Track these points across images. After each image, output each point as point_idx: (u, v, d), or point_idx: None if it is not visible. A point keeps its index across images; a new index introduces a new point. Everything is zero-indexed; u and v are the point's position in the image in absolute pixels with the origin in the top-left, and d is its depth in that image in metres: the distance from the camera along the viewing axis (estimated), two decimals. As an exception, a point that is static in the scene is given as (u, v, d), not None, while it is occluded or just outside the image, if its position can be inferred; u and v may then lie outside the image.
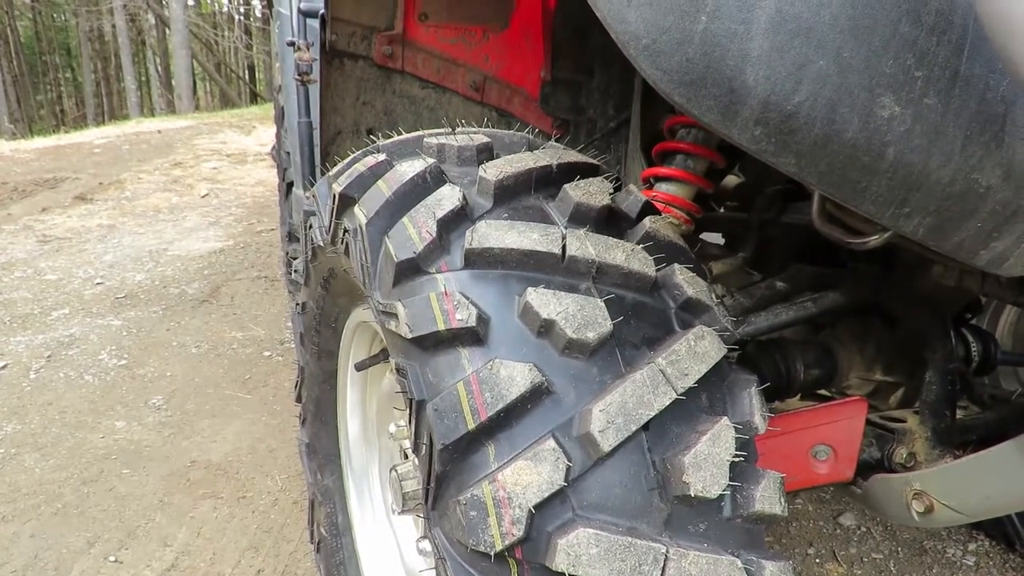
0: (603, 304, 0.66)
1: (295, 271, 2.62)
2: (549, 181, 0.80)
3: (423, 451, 0.66)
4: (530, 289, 0.66)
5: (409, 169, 0.79)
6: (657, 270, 0.72)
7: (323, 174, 1.76)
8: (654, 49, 0.51)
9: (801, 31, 0.47)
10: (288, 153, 2.43)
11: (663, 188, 1.03)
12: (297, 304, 1.24)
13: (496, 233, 0.69)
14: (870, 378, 1.18)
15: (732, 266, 1.24)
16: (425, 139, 0.87)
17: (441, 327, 0.65)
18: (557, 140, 0.95)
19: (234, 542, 1.59)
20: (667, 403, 0.64)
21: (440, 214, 0.72)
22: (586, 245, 0.70)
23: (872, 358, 1.15)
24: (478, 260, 0.69)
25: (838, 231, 0.81)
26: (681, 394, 0.65)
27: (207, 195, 4.72)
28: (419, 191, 0.77)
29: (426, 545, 1.04)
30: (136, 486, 1.77)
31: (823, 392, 1.21)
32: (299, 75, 1.99)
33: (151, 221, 4.13)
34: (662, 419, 0.65)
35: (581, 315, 0.65)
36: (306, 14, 1.99)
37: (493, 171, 0.76)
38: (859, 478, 1.05)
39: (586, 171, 0.83)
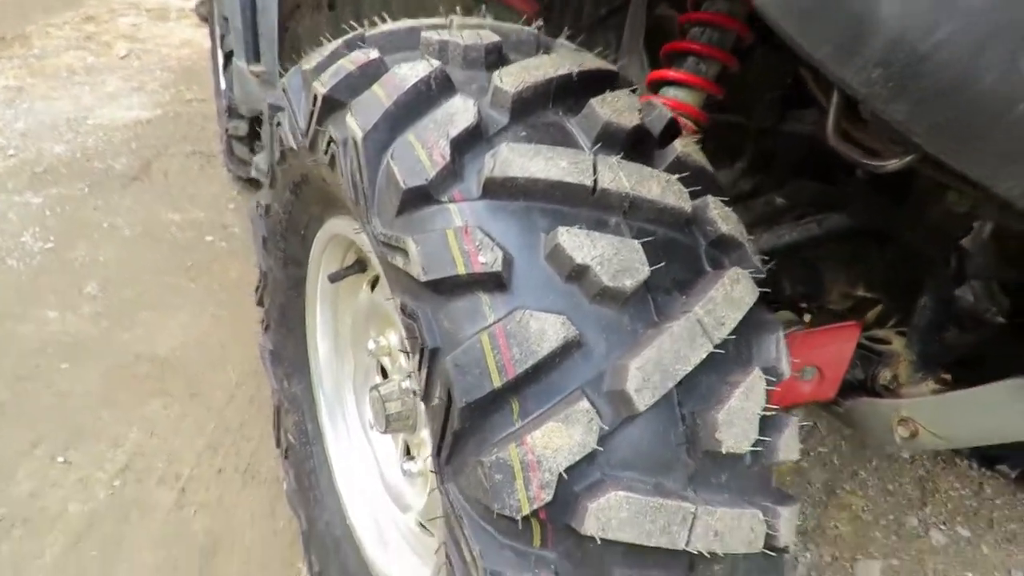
0: (639, 247, 0.60)
1: (235, 152, 2.42)
2: (569, 92, 0.70)
3: (437, 403, 0.60)
4: (562, 229, 0.59)
5: (411, 73, 0.68)
6: (691, 203, 0.66)
7: (281, 54, 1.58)
8: None
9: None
10: (226, 19, 2.18)
11: (671, 94, 0.95)
12: (259, 205, 1.12)
13: (520, 160, 0.61)
14: (851, 294, 1.18)
15: (727, 178, 1.19)
16: (423, 33, 0.75)
17: (461, 271, 0.58)
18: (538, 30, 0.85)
19: (190, 441, 1.54)
20: (703, 356, 0.60)
21: (454, 133, 0.63)
22: (619, 176, 0.62)
23: (857, 276, 1.14)
24: (499, 191, 0.61)
25: (856, 151, 0.76)
26: (717, 346, 0.61)
27: (127, 56, 4.28)
28: (425, 101, 0.67)
29: (411, 467, 1.02)
30: (77, 382, 1.67)
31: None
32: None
33: (65, 84, 3.74)
34: (695, 372, 0.60)
35: (618, 260, 0.59)
36: None
37: (510, 80, 0.67)
38: (839, 398, 1.06)
39: (607, 80, 0.74)
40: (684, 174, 0.67)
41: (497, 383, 0.56)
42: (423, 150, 0.62)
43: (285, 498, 1.30)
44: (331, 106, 0.74)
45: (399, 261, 0.63)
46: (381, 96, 0.68)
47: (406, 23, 0.81)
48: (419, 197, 0.62)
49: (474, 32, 0.75)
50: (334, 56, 0.79)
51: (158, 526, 1.34)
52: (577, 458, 0.56)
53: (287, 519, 1.34)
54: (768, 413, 0.63)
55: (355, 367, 1.14)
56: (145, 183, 2.69)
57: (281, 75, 1.08)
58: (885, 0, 0.40)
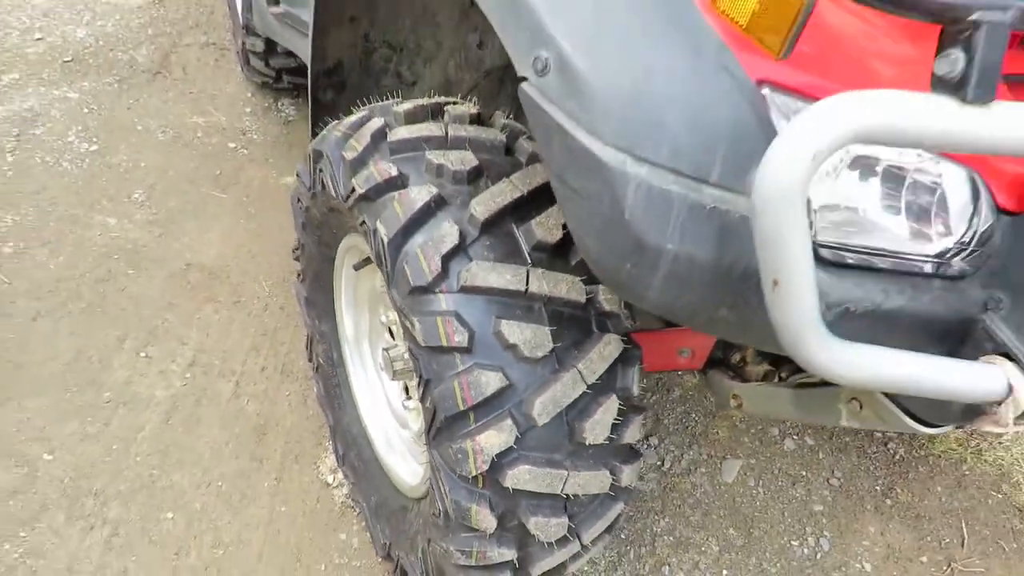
0: (548, 331, 1.03)
1: (251, 63, 2.68)
2: (521, 205, 1.09)
3: (427, 408, 1.06)
4: (503, 321, 1.01)
5: (418, 197, 1.06)
6: (587, 294, 1.07)
7: (316, 117, 1.77)
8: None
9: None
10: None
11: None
12: (299, 200, 1.50)
13: (482, 273, 1.02)
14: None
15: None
16: (427, 155, 1.11)
17: (444, 343, 1.01)
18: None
19: (238, 343, 2.01)
20: (580, 393, 1.05)
21: (444, 250, 1.03)
22: (542, 283, 1.04)
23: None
24: (469, 290, 1.03)
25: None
26: (590, 386, 1.06)
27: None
28: (427, 216, 1.06)
29: (409, 404, 1.50)
30: (144, 287, 2.11)
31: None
32: None
33: (72, -54, 3.80)
34: (575, 401, 1.06)
35: (534, 340, 1.02)
36: None
37: (481, 209, 1.05)
38: (704, 369, 1.53)
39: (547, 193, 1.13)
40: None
41: (461, 407, 1.01)
42: (424, 261, 1.03)
43: (316, 398, 1.80)
44: (363, 198, 1.13)
45: (408, 324, 1.05)
46: (399, 212, 1.06)
47: (414, 130, 1.16)
48: (420, 290, 1.04)
49: (460, 155, 1.11)
50: (365, 153, 1.16)
51: (222, 410, 1.85)
52: (503, 448, 1.02)
53: (316, 410, 1.85)
54: (618, 419, 1.09)
55: (370, 325, 1.59)
56: (167, 79, 2.96)
57: (315, 133, 1.42)
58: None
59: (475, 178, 1.12)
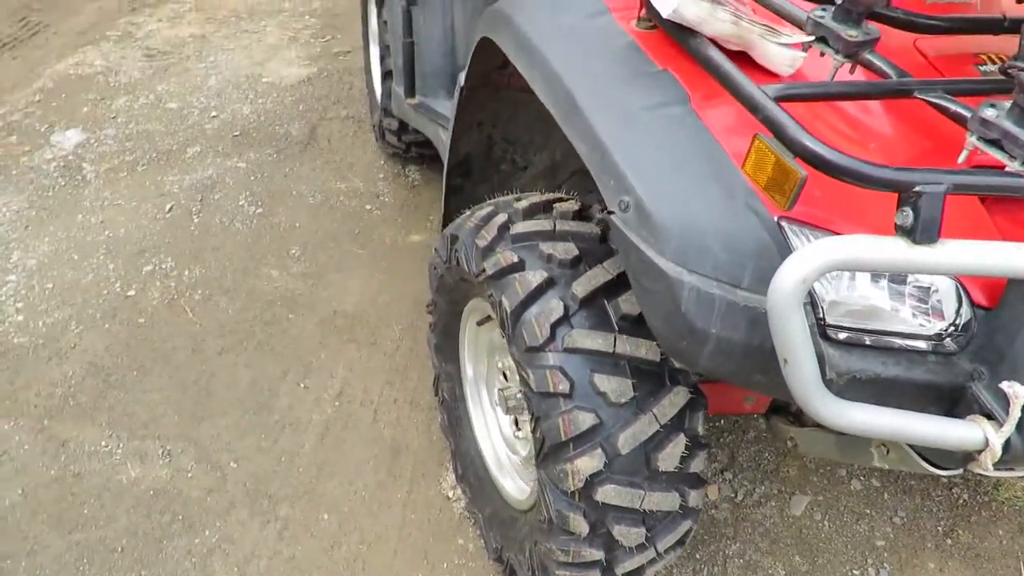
0: (631, 383, 1.36)
1: (387, 139, 3.13)
2: (611, 285, 1.43)
3: (538, 442, 1.41)
4: (596, 374, 1.35)
5: (533, 279, 1.42)
6: (661, 355, 1.40)
7: (447, 214, 2.20)
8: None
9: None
10: (388, 46, 2.86)
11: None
12: (435, 269, 1.90)
13: (580, 338, 1.36)
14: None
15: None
16: (540, 245, 1.48)
17: (551, 390, 1.36)
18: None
19: (376, 377, 2.43)
20: (653, 432, 1.37)
21: (552, 320, 1.38)
22: (626, 346, 1.37)
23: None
24: (571, 350, 1.37)
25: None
26: (662, 426, 1.37)
27: (277, -7, 4.95)
28: (540, 295, 1.42)
29: (519, 434, 1.85)
30: (301, 329, 2.58)
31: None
32: (406, 2, 2.41)
33: (235, 33, 4.49)
34: (651, 437, 1.38)
35: (619, 389, 1.35)
36: None
37: (580, 288, 1.40)
38: (767, 414, 1.80)
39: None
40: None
41: (563, 438, 1.35)
42: (537, 328, 1.38)
43: (439, 426, 2.19)
44: (492, 277, 1.50)
45: (524, 374, 1.41)
46: (519, 290, 1.43)
47: (530, 225, 1.53)
48: (534, 349, 1.39)
49: (565, 246, 1.47)
50: (493, 242, 1.53)
51: (364, 433, 2.27)
52: (595, 471, 1.35)
53: (440, 436, 2.23)
54: (686, 453, 1.40)
55: (487, 368, 1.96)
56: (315, 149, 3.50)
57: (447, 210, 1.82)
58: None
59: (576, 263, 1.47)
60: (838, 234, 1.06)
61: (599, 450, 1.35)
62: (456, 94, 1.82)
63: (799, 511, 2.14)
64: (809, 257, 0.93)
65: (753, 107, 1.03)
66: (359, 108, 3.80)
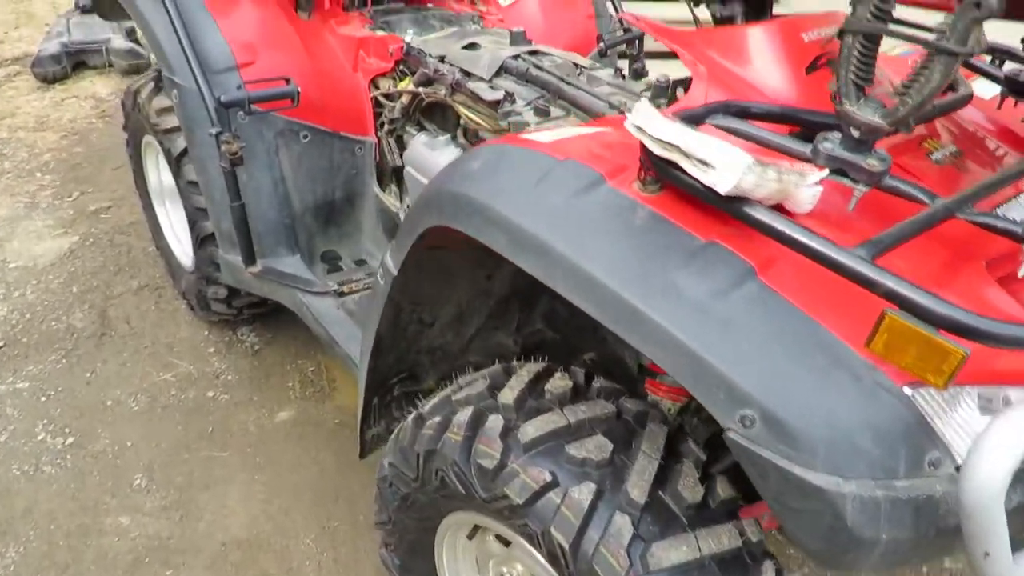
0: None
1: (213, 308, 2.65)
2: (662, 476, 1.23)
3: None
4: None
5: (582, 498, 1.18)
6: (740, 535, 1.22)
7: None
8: None
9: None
10: (201, 210, 2.42)
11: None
12: (392, 486, 1.56)
13: (662, 554, 1.14)
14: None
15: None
16: (568, 450, 1.23)
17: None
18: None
19: (309, 615, 1.97)
20: None
21: (624, 543, 1.14)
22: (709, 543, 1.17)
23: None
24: (656, 571, 1.14)
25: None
26: None
27: (-12, 154, 4.11)
28: (594, 515, 1.17)
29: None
30: (190, 584, 2.03)
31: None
32: (229, 163, 2.05)
33: (-51, 214, 3.63)
34: None
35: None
36: (228, 105, 2.02)
37: (637, 492, 1.18)
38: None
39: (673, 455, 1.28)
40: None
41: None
42: (612, 558, 1.13)
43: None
44: (523, 505, 1.22)
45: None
46: (571, 517, 1.17)
47: (540, 426, 1.28)
48: None
49: (595, 443, 1.24)
50: (504, 458, 1.26)
51: None
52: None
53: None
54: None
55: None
56: (115, 338, 2.87)
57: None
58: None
59: (612, 459, 1.25)
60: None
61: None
62: (384, 285, 1.52)
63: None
64: (1013, 443, 0.82)
65: (865, 281, 0.90)
66: (151, 273, 3.22)
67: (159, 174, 2.90)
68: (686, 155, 0.99)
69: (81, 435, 2.45)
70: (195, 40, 2.11)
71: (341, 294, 2.31)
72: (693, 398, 1.41)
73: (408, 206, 2.41)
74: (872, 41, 1.05)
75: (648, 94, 1.99)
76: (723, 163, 0.96)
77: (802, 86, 1.41)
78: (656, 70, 2.12)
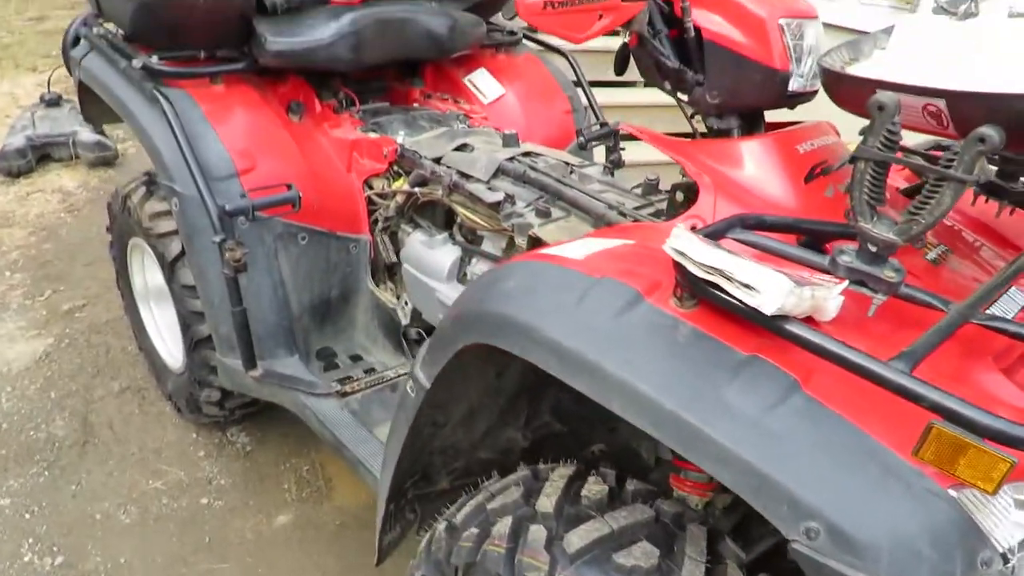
0: None
1: (204, 411, 2.61)
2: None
3: None
4: None
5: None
6: None
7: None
8: None
9: None
10: (197, 313, 2.41)
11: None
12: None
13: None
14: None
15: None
16: (616, 559, 1.25)
17: None
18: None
19: None
20: None
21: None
22: None
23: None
24: None
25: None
26: None
27: (-48, 256, 4.01)
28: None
29: None
30: None
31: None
32: (232, 270, 2.07)
33: (-88, 320, 3.50)
34: None
35: None
36: (233, 214, 2.04)
37: None
38: None
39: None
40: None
41: None
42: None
43: None
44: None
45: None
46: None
47: (584, 535, 1.30)
48: None
49: (642, 549, 1.26)
50: (552, 569, 1.27)
51: None
52: None
53: None
54: None
55: None
56: (98, 446, 2.79)
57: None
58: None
59: (660, 564, 1.27)
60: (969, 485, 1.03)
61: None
62: (416, 398, 1.53)
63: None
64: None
65: (911, 395, 0.97)
66: (132, 374, 3.15)
67: (144, 276, 2.88)
68: (729, 278, 1.06)
69: (71, 554, 2.34)
70: (196, 150, 2.14)
71: (344, 394, 2.30)
72: (719, 492, 1.46)
73: (406, 302, 2.45)
74: (882, 167, 1.15)
75: (639, 191, 2.10)
76: (766, 287, 1.03)
77: (802, 195, 1.52)
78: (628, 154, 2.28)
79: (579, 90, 3.04)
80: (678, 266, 1.15)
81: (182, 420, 2.86)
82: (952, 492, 1.02)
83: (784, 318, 1.07)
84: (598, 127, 2.75)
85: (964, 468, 0.94)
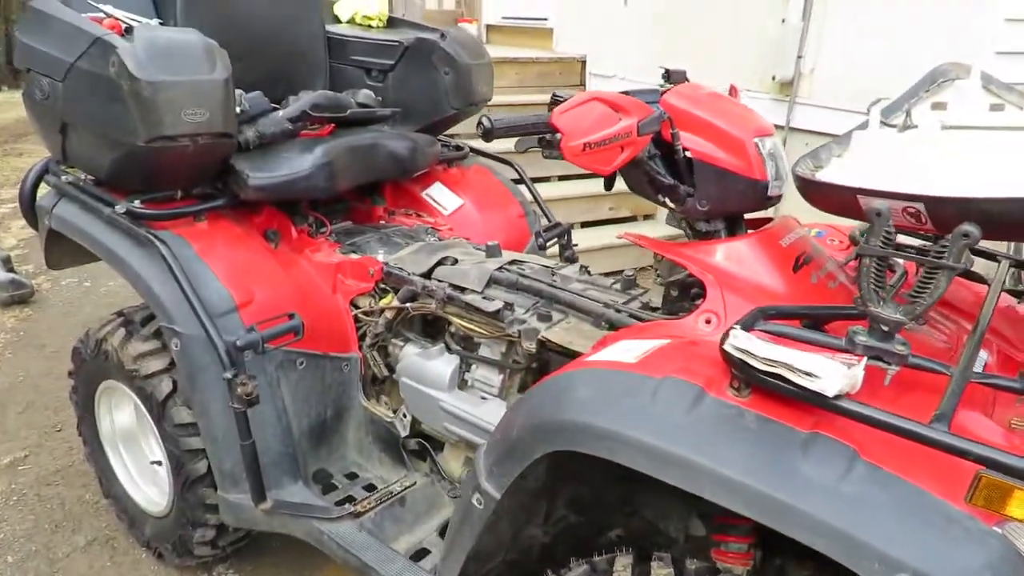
0: None
1: (195, 552, 2.53)
2: None
3: None
4: None
5: None
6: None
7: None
8: None
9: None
10: (196, 451, 2.36)
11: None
12: None
13: None
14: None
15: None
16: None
17: None
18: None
19: None
20: None
21: None
22: None
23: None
24: None
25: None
26: None
27: None
28: None
29: None
30: None
31: None
32: (244, 404, 2.08)
33: None
34: None
35: None
36: (244, 348, 2.08)
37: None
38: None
39: None
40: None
41: None
42: None
43: None
44: None
45: None
46: None
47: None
48: None
49: None
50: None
51: None
52: None
53: None
54: None
55: None
56: (74, 608, 2.59)
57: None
58: None
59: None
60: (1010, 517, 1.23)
61: None
62: (484, 510, 1.60)
63: None
64: None
65: (957, 451, 1.16)
66: (96, 524, 2.96)
67: (112, 419, 2.78)
68: (792, 369, 1.24)
69: None
70: (196, 289, 2.16)
71: (357, 515, 2.30)
72: (759, 560, 1.60)
73: (404, 414, 2.50)
74: (883, 261, 1.39)
75: (618, 286, 2.30)
76: (826, 373, 1.22)
77: (792, 283, 1.75)
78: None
79: (524, 191, 3.25)
80: (736, 360, 1.32)
81: (162, 566, 2.72)
82: (998, 529, 1.21)
83: (839, 397, 1.26)
84: (551, 227, 2.96)
85: (1014, 507, 1.14)
